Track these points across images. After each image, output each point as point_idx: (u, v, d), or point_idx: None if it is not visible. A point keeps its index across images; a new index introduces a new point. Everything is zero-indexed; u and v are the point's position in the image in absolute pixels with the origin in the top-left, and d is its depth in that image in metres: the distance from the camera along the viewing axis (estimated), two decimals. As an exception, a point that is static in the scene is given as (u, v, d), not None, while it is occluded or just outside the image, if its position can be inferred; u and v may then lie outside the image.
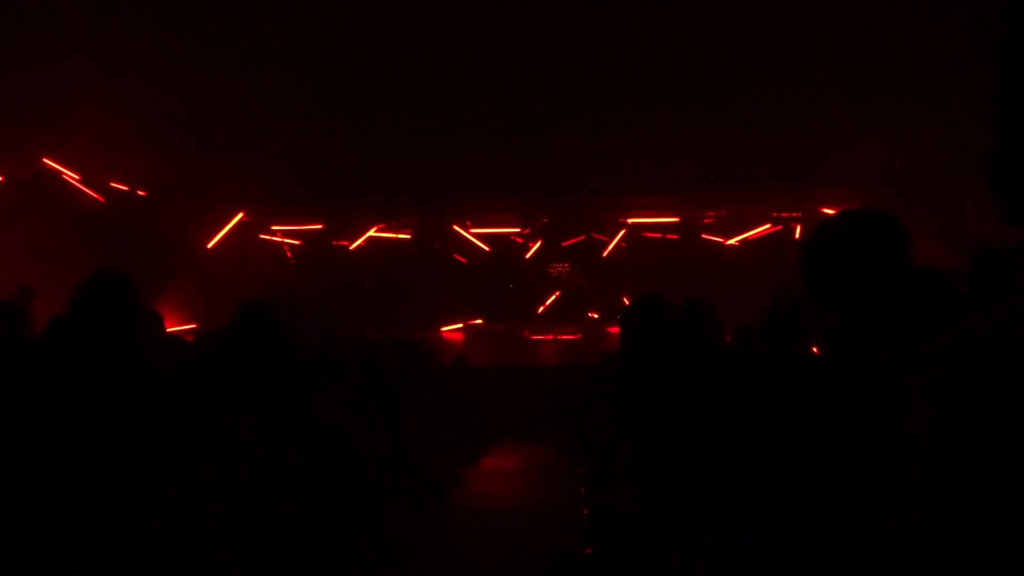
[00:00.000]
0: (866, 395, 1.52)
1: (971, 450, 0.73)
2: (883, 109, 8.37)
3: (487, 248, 14.16)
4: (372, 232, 14.17)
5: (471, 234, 14.17)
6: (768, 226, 13.35)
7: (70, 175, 10.60)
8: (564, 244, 14.14)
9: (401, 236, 14.24)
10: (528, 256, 14.19)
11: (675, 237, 13.72)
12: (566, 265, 14.22)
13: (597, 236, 14.04)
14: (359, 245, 14.14)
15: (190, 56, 7.45)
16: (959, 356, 0.76)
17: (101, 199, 11.12)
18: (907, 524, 0.83)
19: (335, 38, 7.19)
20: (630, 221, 13.78)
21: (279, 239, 14.17)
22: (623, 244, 13.92)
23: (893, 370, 1.31)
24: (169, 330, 7.01)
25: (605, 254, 13.93)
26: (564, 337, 13.86)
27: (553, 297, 14.20)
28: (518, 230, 14.20)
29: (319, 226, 14.09)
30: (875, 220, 1.66)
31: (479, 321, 14.17)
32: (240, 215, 13.66)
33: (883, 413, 1.38)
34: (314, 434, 3.12)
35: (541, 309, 14.22)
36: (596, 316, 14.08)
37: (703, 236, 13.63)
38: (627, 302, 14.12)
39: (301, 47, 7.27)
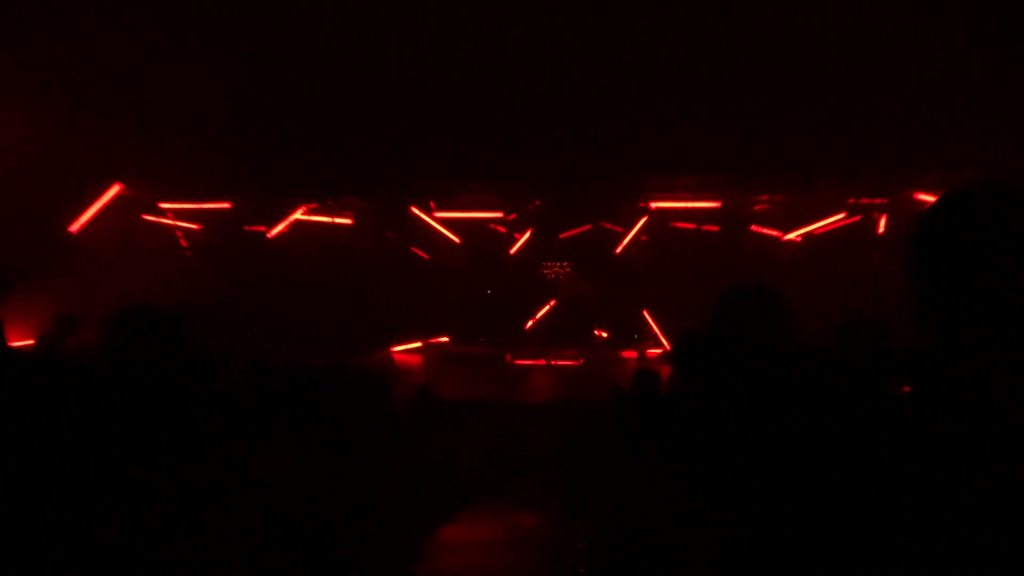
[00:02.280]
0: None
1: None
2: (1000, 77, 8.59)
3: (457, 239, 14.32)
4: (298, 215, 14.23)
5: (436, 220, 14.33)
6: (842, 216, 13.64)
7: None
8: (563, 236, 14.34)
9: (339, 221, 14.36)
10: (514, 251, 14.38)
11: (715, 229, 13.97)
12: (565, 265, 14.39)
13: (608, 226, 14.23)
14: (280, 232, 14.21)
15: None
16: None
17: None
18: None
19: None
20: (654, 206, 13.99)
21: (170, 222, 14.20)
22: (643, 237, 14.14)
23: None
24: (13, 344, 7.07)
25: (619, 250, 14.13)
26: (561, 363, 14.01)
27: (547, 308, 14.35)
28: (500, 216, 14.40)
29: (226, 205, 14.15)
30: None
31: (445, 339, 14.27)
32: (115, 189, 13.62)
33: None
34: (229, 497, 3.21)
35: (530, 324, 14.37)
36: (605, 335, 14.25)
37: (753, 228, 13.90)
38: (648, 316, 14.34)
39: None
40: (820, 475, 1.78)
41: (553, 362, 14.06)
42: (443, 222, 14.38)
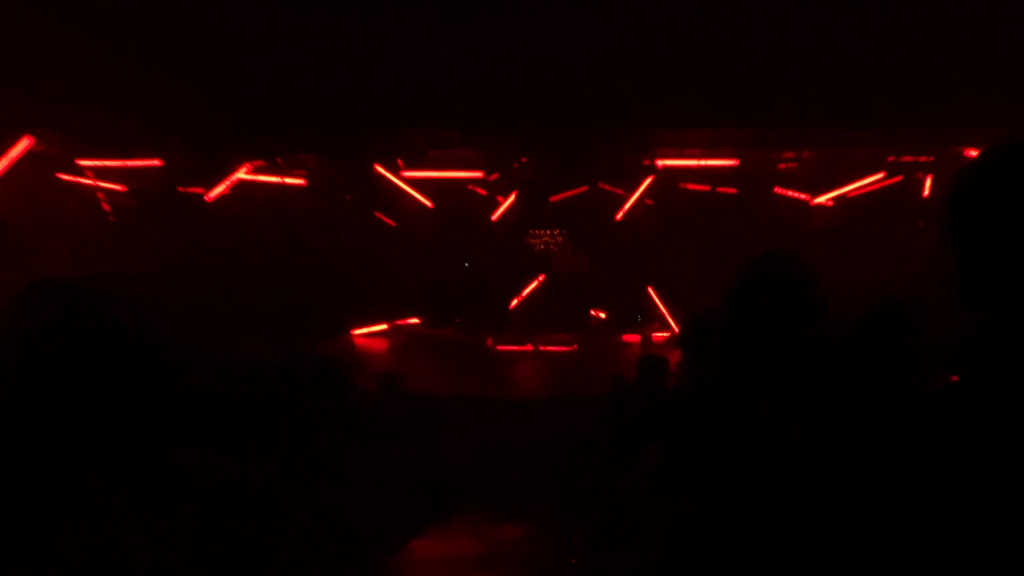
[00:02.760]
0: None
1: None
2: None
3: (429, 203, 14.34)
4: (242, 175, 14.18)
5: (404, 180, 14.33)
6: (880, 176, 13.70)
7: None
8: (554, 199, 14.38)
9: (290, 182, 14.32)
10: (496, 217, 14.42)
11: (732, 192, 14.04)
12: (556, 233, 14.41)
13: (607, 188, 14.27)
14: (221, 194, 14.16)
15: None
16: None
17: None
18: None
19: None
20: (661, 164, 14.03)
21: (90, 182, 14.14)
22: (649, 201, 14.18)
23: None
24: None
25: (620, 216, 14.18)
26: (551, 349, 14.06)
27: (535, 284, 14.39)
28: (480, 176, 14.40)
29: (156, 162, 14.07)
30: None
31: (415, 321, 14.29)
32: (25, 143, 13.53)
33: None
34: (166, 510, 3.22)
35: (515, 303, 14.40)
36: (603, 317, 14.30)
37: (777, 191, 13.97)
38: (653, 294, 14.35)
39: None
40: (852, 482, 1.77)
41: (542, 348, 14.11)
42: (412, 183, 14.38)
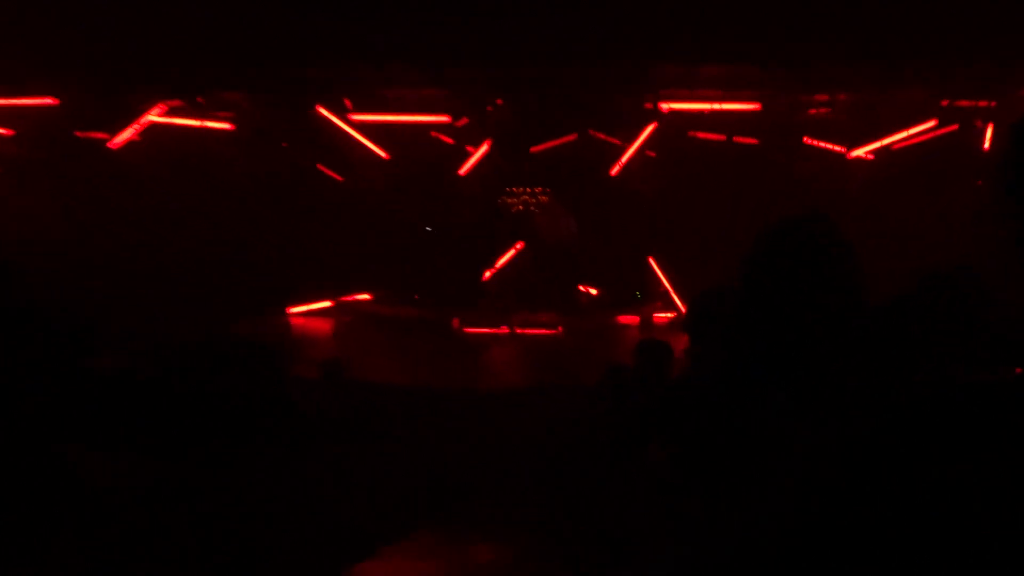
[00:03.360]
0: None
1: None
2: None
3: (384, 154, 14.31)
4: (153, 116, 14.12)
5: (353, 125, 14.31)
6: (931, 124, 13.72)
7: None
8: (536, 150, 14.38)
9: (214, 126, 14.28)
10: (465, 171, 14.43)
11: (752, 142, 14.06)
12: (539, 191, 14.41)
13: (601, 136, 14.28)
14: (129, 140, 14.09)
15: None
16: None
17: None
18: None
19: None
20: (666, 108, 14.03)
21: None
22: (651, 153, 14.20)
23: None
24: None
25: (616, 171, 14.19)
26: (532, 332, 14.09)
27: (512, 253, 14.42)
28: (446, 120, 14.39)
29: (50, 101, 14.01)
30: None
31: (366, 298, 14.29)
32: None
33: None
34: (63, 512, 3.25)
35: (488, 275, 14.41)
36: (594, 293, 14.33)
37: (807, 141, 14.00)
38: (655, 265, 14.35)
39: None
40: (891, 489, 1.78)
41: (520, 331, 14.12)
42: (363, 129, 14.33)
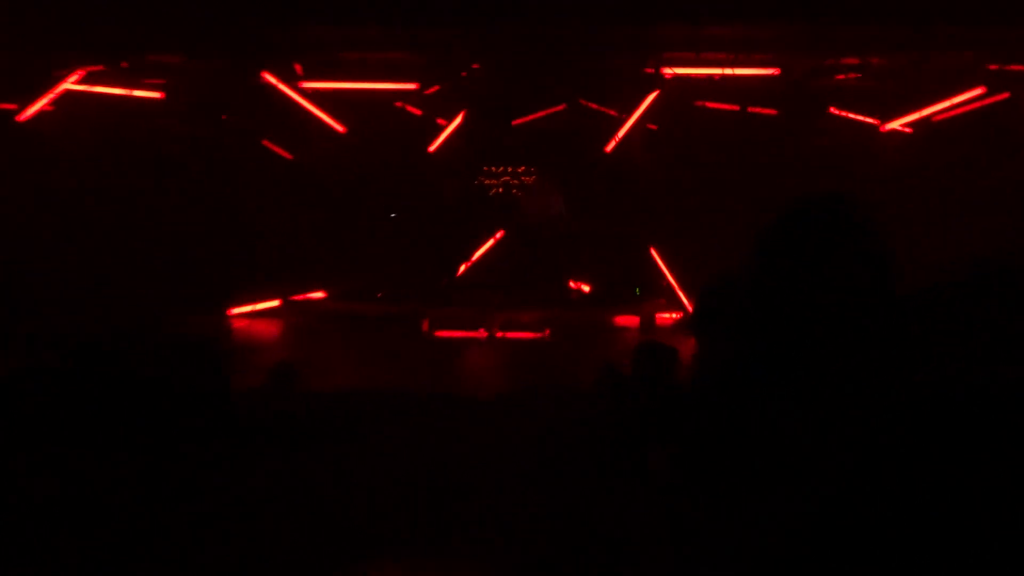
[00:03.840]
0: None
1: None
2: None
3: (341, 127, 14.36)
4: (70, 84, 14.12)
5: (305, 94, 14.33)
6: (979, 92, 13.77)
7: None
8: (517, 123, 14.47)
9: (141, 94, 14.24)
10: (435, 148, 14.49)
11: (770, 112, 14.17)
12: (522, 171, 14.45)
13: (593, 107, 14.38)
14: (41, 111, 14.09)
15: None
16: None
17: None
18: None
19: None
20: (670, 73, 14.07)
21: None
22: (652, 126, 14.28)
23: None
24: None
25: (611, 147, 14.25)
26: (513, 336, 14.11)
27: (491, 243, 14.50)
28: (413, 88, 14.41)
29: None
30: None
31: (319, 295, 14.31)
32: None
33: None
34: None
35: (462, 271, 14.45)
36: (586, 289, 14.37)
37: (832, 111, 14.09)
38: (658, 257, 14.37)
39: None
40: (893, 491, 1.84)
41: (500, 335, 14.14)
42: (317, 98, 14.34)
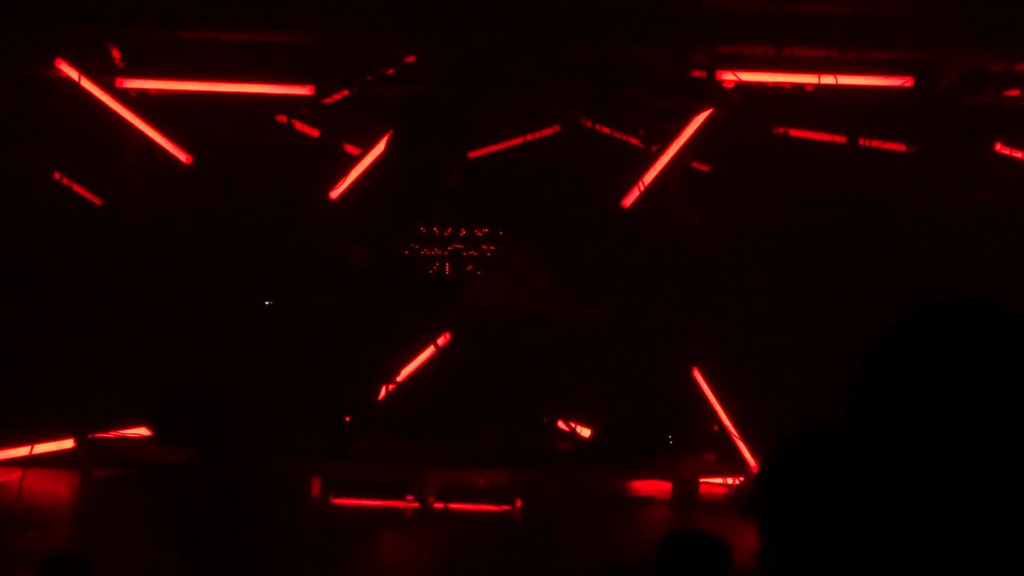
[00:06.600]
0: None
1: None
2: None
3: (185, 156, 14.16)
4: None
5: (121, 97, 14.19)
6: None
7: None
8: (474, 155, 14.46)
9: None
10: (338, 193, 14.36)
11: (898, 148, 14.07)
12: (482, 234, 14.43)
13: (600, 129, 14.33)
14: None
15: None
16: None
17: None
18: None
19: None
20: (730, 79, 13.89)
21: None
22: (700, 166, 14.27)
23: None
24: None
25: (630, 199, 14.08)
26: (465, 508, 13.92)
27: (427, 354, 14.41)
28: (306, 94, 14.34)
29: None
30: None
31: (142, 433, 14.21)
32: None
33: None
34: None
35: (382, 396, 14.36)
36: (586, 433, 14.29)
37: (997, 148, 13.97)
38: (703, 382, 14.24)
39: None
40: None
41: (438, 505, 13.91)
42: (145, 105, 14.24)
